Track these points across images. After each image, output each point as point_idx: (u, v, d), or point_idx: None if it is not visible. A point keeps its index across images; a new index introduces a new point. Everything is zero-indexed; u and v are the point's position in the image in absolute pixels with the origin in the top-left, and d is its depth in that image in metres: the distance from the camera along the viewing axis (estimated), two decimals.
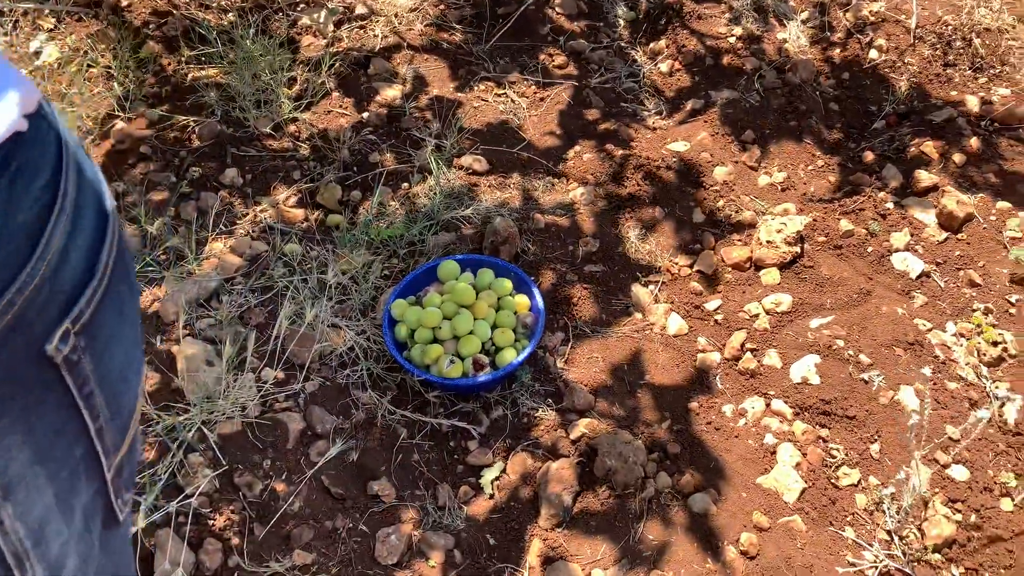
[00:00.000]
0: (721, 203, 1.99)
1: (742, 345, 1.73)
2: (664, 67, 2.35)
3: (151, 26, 2.35)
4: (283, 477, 1.47)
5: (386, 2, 2.48)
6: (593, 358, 1.71)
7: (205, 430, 1.49)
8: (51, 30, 2.34)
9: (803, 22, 2.44)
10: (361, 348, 1.67)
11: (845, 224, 1.92)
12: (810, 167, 2.08)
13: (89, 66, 2.22)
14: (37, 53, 2.24)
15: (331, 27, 2.39)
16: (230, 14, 2.40)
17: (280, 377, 1.62)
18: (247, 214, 1.94)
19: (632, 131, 2.19)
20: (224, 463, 1.46)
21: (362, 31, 2.41)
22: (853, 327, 1.73)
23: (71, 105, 2.13)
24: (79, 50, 2.25)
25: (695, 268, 1.89)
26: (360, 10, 2.45)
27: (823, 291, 1.82)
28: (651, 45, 2.43)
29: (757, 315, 1.79)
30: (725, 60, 2.32)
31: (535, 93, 2.30)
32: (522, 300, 1.72)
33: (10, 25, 2.30)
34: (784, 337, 1.74)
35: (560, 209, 1.99)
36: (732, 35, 2.39)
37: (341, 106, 2.19)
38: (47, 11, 2.36)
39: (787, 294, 1.81)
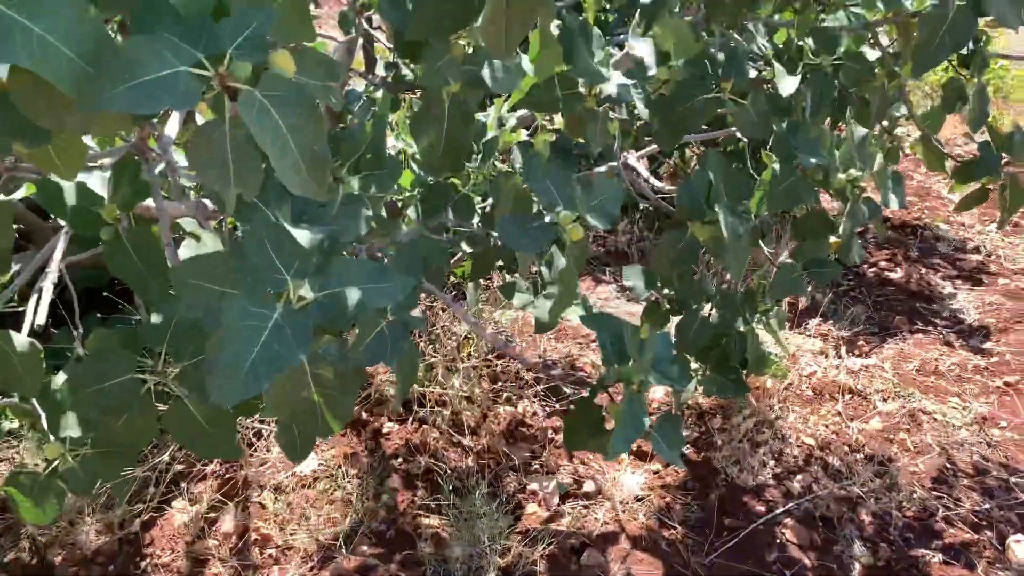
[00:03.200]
0: None
1: None
2: None
3: (399, 459, 2.57)
4: None
5: (615, 483, 2.54)
6: None
7: None
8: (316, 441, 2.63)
9: None
10: None
11: None
12: None
13: (335, 488, 2.42)
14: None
15: (556, 499, 2.45)
16: (469, 458, 2.57)
17: None
18: None
19: None
20: None
21: (586, 510, 2.44)
22: None
23: (304, 519, 2.30)
24: (332, 469, 2.48)
25: None
26: (588, 486, 2.51)
27: None
28: None
29: None
30: None
31: None
32: None
33: None
34: None
35: None
36: None
37: None
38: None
39: None
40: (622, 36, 4.15)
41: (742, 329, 2.31)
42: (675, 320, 2.25)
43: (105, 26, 0.72)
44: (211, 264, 0.88)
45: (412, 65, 1.53)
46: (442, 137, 1.34)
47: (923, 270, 3.92)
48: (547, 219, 1.31)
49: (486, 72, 1.35)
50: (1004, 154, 2.14)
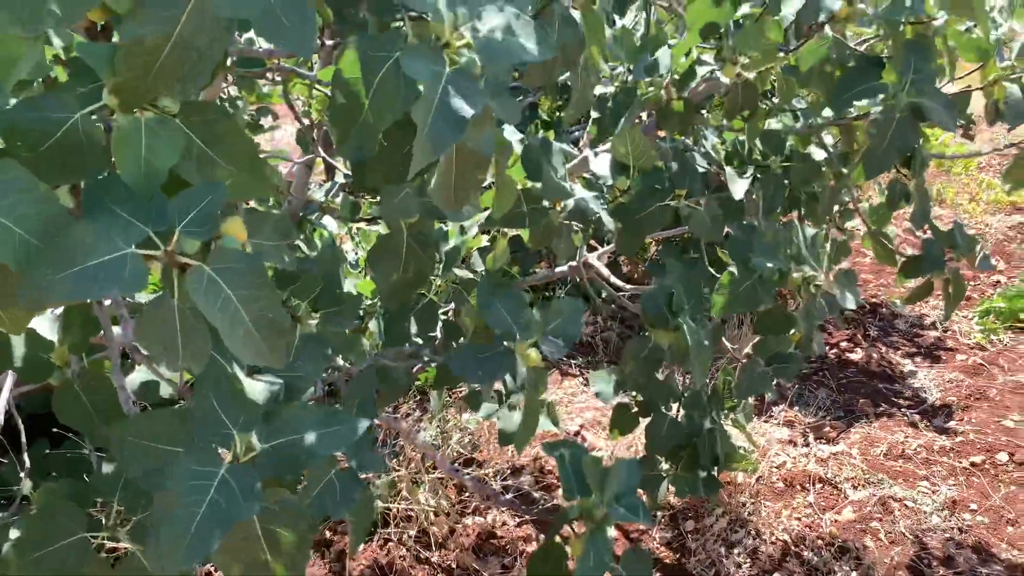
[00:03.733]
0: None
1: None
2: None
3: None
4: None
5: None
6: None
7: None
8: None
9: None
10: None
11: None
12: None
13: None
14: None
15: None
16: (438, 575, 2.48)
17: None
18: None
19: None
20: None
21: None
22: None
23: None
24: None
25: None
26: None
27: None
28: None
29: None
30: None
31: None
32: None
33: None
34: None
35: None
36: None
37: None
38: None
39: None
40: (576, 133, 4.25)
41: (711, 427, 2.31)
42: (644, 422, 2.24)
43: (59, 203, 0.71)
44: (157, 422, 0.85)
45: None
46: (400, 268, 1.33)
47: (883, 349, 3.98)
48: (503, 347, 1.30)
49: None
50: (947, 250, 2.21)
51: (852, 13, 1.75)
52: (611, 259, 4.46)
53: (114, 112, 0.70)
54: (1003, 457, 2.98)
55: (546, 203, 1.87)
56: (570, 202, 1.88)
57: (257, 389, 0.92)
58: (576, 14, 1.36)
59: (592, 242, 3.06)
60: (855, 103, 1.75)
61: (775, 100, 2.20)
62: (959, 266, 2.25)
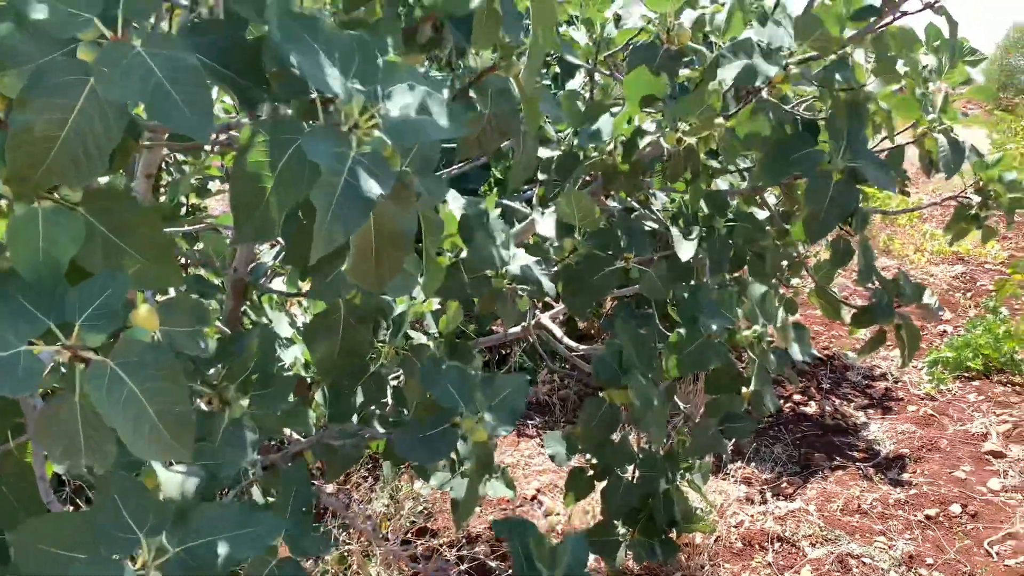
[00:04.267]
0: None
1: None
2: None
3: None
4: None
5: None
6: None
7: None
8: None
9: None
10: None
11: None
12: None
13: None
14: None
15: None
16: None
17: None
18: None
19: None
20: None
21: None
22: None
23: None
24: None
25: None
26: None
27: None
28: None
29: None
30: None
31: None
32: None
33: None
34: None
35: None
36: None
37: None
38: None
39: None
40: (529, 192, 4.29)
41: (667, 488, 2.28)
42: (600, 485, 2.20)
43: None
44: (60, 525, 0.80)
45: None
46: (337, 344, 1.30)
47: (836, 401, 4.01)
48: (447, 423, 1.27)
49: None
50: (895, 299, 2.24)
51: (788, 78, 1.79)
52: (568, 316, 4.45)
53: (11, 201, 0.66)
54: (956, 509, 2.99)
55: (489, 273, 1.86)
56: (513, 267, 1.87)
57: (175, 482, 0.87)
58: (513, 85, 1.37)
59: (549, 300, 3.05)
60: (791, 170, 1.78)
61: (721, 160, 2.24)
62: (909, 312, 2.28)
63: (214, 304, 2.03)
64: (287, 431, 1.80)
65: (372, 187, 0.80)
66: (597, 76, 2.42)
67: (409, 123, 0.86)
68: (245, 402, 1.18)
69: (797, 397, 4.02)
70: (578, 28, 2.40)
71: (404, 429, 1.29)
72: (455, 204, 1.82)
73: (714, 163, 2.30)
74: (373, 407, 1.93)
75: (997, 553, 2.73)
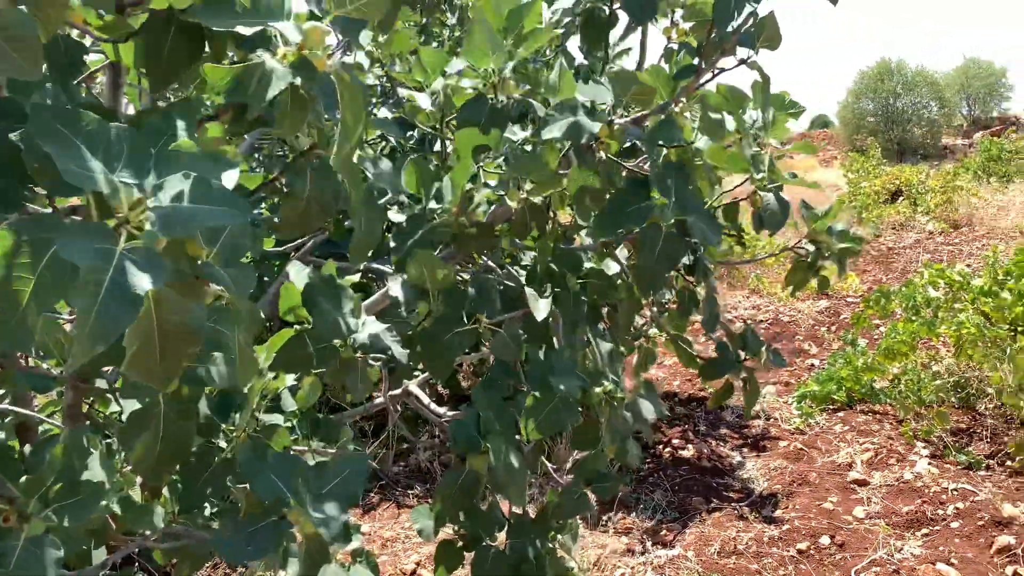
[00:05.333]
0: None
1: None
2: None
3: None
4: None
5: None
6: None
7: None
8: None
9: None
10: None
11: None
12: None
13: None
14: None
15: None
16: None
17: None
18: None
19: None
20: None
21: None
22: None
23: None
24: None
25: None
26: None
27: None
28: None
29: None
30: None
31: None
32: None
33: None
34: None
35: None
36: None
37: None
38: None
39: None
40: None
41: (537, 553, 2.25)
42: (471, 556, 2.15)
43: None
44: None
45: None
46: (158, 441, 1.22)
47: (713, 443, 4.11)
48: (275, 517, 1.20)
49: (206, 369, 1.26)
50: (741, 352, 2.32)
51: (614, 134, 1.84)
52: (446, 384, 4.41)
53: None
54: (825, 540, 3.09)
55: (337, 342, 1.82)
56: (361, 336, 1.83)
57: None
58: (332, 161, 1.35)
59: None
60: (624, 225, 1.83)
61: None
62: (753, 367, 2.36)
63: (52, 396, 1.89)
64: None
65: (142, 282, 0.76)
66: (449, 140, 2.44)
67: (181, 212, 0.83)
68: (44, 521, 1.08)
69: (676, 441, 4.09)
70: (425, 94, 2.42)
71: (226, 525, 1.22)
72: (298, 275, 1.78)
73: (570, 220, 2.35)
74: (226, 497, 1.84)
75: None
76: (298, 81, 1.00)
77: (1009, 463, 3.77)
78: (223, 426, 2.14)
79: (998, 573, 2.85)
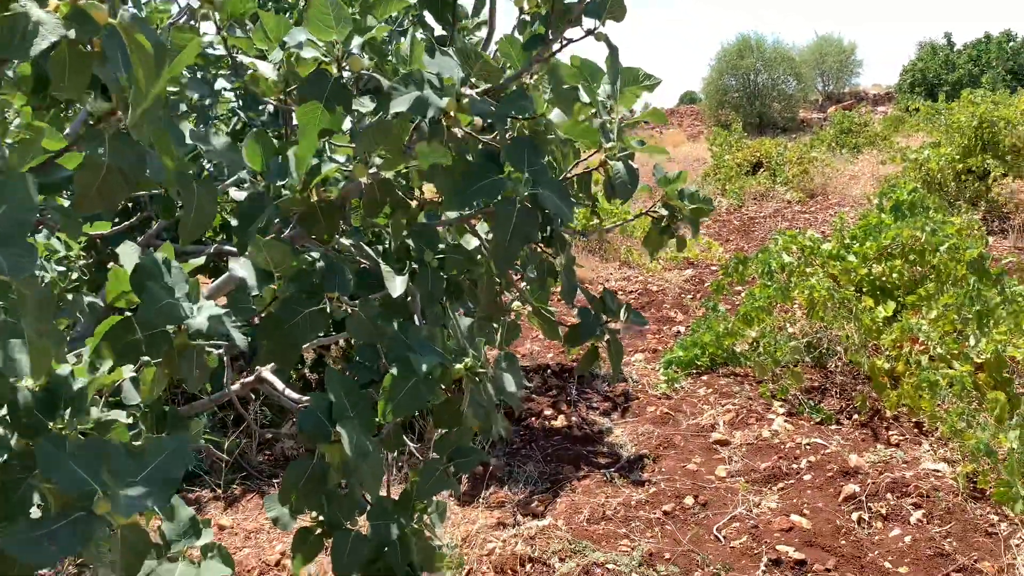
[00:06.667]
0: None
1: None
2: None
3: None
4: None
5: None
6: None
7: None
8: None
9: None
10: None
11: None
12: None
13: None
14: None
15: None
16: None
17: None
18: None
19: None
20: None
21: None
22: None
23: None
24: None
25: None
26: None
27: None
28: None
29: None
30: None
31: None
32: None
33: None
34: None
35: None
36: None
37: None
38: None
39: None
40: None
41: (401, 534, 2.20)
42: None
43: None
44: None
45: None
46: None
47: (584, 411, 4.18)
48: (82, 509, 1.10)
49: (3, 358, 1.14)
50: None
51: (463, 107, 1.80)
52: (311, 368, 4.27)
53: None
54: (689, 501, 3.20)
55: (169, 329, 1.69)
56: (197, 321, 1.71)
57: None
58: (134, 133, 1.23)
59: None
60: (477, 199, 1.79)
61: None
62: (615, 328, 2.38)
63: None
64: None
65: None
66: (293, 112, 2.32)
67: None
68: None
69: (548, 412, 4.14)
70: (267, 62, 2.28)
71: (23, 524, 1.10)
72: (128, 258, 1.65)
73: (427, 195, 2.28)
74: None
75: (724, 537, 2.95)
76: (73, 35, 0.89)
77: (856, 416, 4.02)
78: (49, 425, 1.97)
79: (845, 519, 3.03)
